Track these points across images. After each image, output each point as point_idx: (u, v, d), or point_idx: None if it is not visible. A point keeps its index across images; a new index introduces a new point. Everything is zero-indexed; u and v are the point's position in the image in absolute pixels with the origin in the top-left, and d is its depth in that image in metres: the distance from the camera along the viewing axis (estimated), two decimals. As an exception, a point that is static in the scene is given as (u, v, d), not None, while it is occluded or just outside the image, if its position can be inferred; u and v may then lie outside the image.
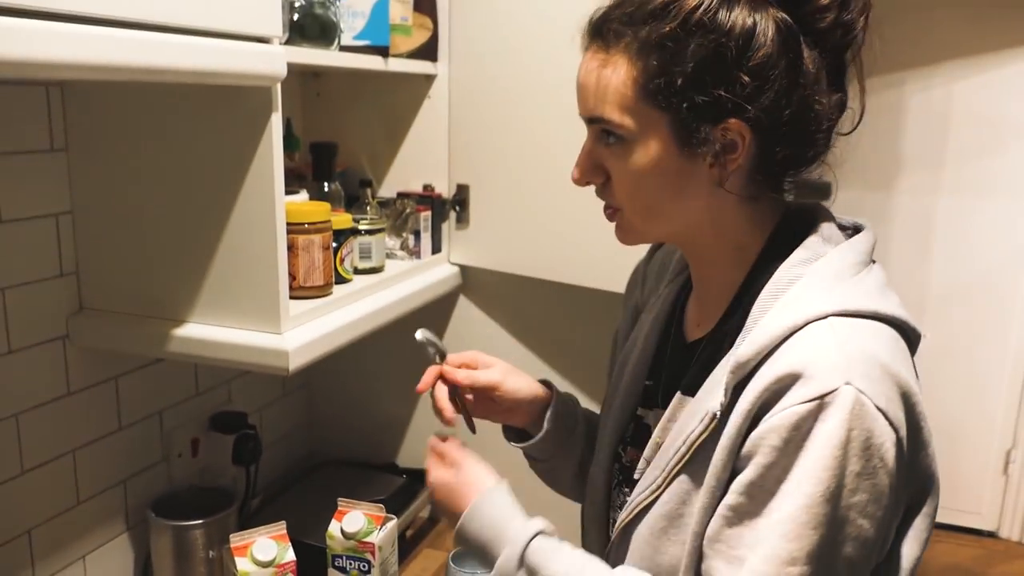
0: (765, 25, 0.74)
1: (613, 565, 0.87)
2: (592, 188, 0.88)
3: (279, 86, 0.99)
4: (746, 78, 0.74)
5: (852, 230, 0.86)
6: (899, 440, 0.71)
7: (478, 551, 0.88)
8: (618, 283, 1.08)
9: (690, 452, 0.80)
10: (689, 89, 0.75)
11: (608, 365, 1.05)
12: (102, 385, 1.20)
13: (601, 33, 0.80)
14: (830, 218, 0.86)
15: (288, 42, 1.12)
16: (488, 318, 1.57)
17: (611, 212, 0.87)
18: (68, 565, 1.17)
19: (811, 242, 0.81)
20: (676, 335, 0.94)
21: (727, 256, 0.85)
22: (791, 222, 0.85)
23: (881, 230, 3.18)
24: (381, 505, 1.20)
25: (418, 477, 1.60)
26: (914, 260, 3.24)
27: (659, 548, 0.83)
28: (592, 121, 0.82)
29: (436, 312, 1.55)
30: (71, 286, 1.13)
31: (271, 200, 1.01)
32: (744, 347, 0.75)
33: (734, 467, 0.76)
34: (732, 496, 0.74)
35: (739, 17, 0.74)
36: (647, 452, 0.89)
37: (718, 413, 0.77)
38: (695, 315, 0.91)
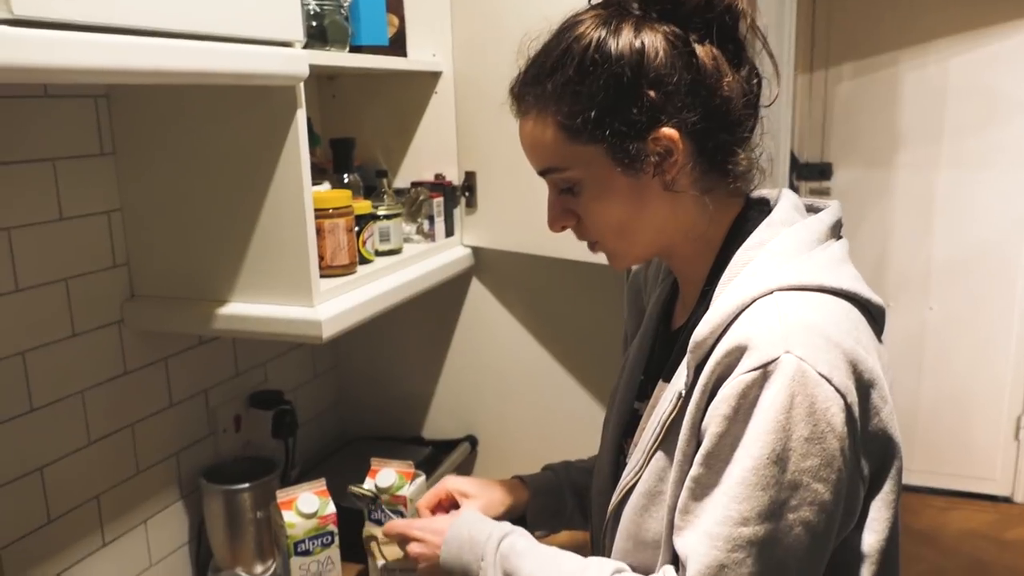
0: (652, 40, 0.81)
1: (607, 547, 0.93)
2: None
3: (302, 85, 1.10)
4: (651, 92, 0.81)
5: (819, 211, 0.90)
6: (847, 406, 0.74)
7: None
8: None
9: (663, 431, 0.85)
10: (606, 118, 0.82)
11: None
12: (154, 365, 1.32)
13: (519, 100, 0.89)
14: (792, 201, 0.90)
15: (306, 47, 1.24)
16: (499, 296, 1.68)
17: (593, 245, 0.94)
18: (132, 528, 1.29)
19: (765, 226, 0.86)
20: (664, 328, 1.01)
21: (695, 250, 0.91)
22: (752, 210, 0.90)
23: (883, 206, 3.28)
24: (410, 462, 1.32)
25: (442, 448, 1.72)
26: (917, 234, 3.28)
27: (642, 525, 0.88)
28: (544, 174, 0.91)
29: (451, 291, 1.66)
30: (123, 276, 1.25)
31: (299, 187, 1.12)
32: (700, 327, 0.81)
33: (698, 441, 0.80)
34: (694, 468, 0.78)
35: (626, 43, 0.81)
36: (636, 438, 0.94)
37: (683, 391, 0.82)
38: (680, 308, 0.98)
